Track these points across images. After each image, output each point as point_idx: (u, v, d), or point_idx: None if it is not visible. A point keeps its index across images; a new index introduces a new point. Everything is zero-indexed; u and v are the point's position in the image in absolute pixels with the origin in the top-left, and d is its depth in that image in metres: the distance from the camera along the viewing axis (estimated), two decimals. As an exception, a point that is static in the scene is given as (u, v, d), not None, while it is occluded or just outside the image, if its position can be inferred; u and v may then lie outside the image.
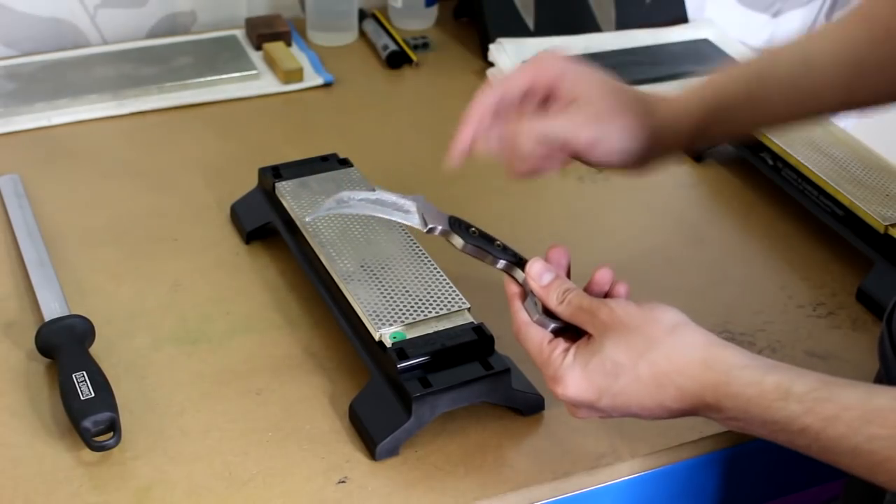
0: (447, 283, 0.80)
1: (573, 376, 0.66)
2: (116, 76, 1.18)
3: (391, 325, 0.76)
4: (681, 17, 1.34)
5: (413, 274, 0.81)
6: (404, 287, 0.79)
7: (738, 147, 1.06)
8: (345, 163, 0.94)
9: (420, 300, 0.78)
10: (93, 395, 0.73)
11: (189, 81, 1.18)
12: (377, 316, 0.77)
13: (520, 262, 0.72)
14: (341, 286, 0.80)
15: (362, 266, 0.81)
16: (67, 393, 0.74)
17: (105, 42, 1.27)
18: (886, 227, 0.90)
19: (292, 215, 0.88)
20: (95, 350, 0.79)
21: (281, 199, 0.90)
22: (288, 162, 0.94)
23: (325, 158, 0.94)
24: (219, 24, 1.31)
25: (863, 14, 0.75)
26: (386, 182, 1.02)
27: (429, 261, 0.82)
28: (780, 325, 0.88)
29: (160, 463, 0.72)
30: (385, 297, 0.79)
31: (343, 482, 0.72)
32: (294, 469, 0.73)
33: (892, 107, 0.75)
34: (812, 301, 0.91)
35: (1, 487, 0.70)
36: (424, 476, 0.72)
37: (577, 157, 0.76)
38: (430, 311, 0.77)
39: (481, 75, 1.24)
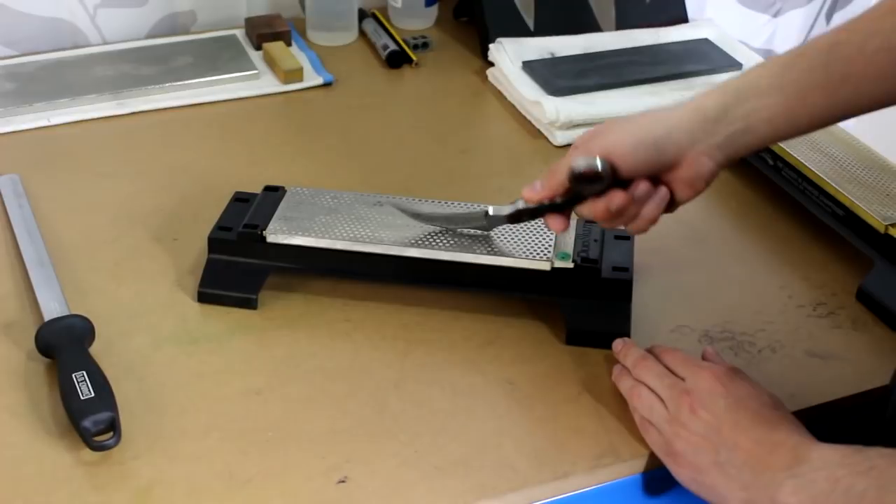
0: None
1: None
2: (116, 76, 1.18)
3: None
4: (681, 17, 1.34)
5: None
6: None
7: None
8: (276, 188, 0.91)
9: None
10: (93, 394, 0.73)
11: (189, 81, 1.18)
12: None
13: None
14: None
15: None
16: (67, 393, 0.74)
17: (105, 42, 1.27)
18: (886, 226, 0.90)
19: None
20: (95, 350, 0.79)
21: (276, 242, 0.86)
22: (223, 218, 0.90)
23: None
24: (219, 23, 1.32)
25: (891, 6, 0.74)
26: (386, 181, 1.02)
27: None
28: (780, 325, 0.87)
29: (160, 463, 0.72)
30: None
31: (343, 482, 0.72)
32: (294, 469, 0.73)
33: None
34: (812, 301, 0.91)
35: (1, 487, 0.70)
36: (424, 476, 0.72)
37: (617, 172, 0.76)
38: None
39: (481, 75, 1.24)
